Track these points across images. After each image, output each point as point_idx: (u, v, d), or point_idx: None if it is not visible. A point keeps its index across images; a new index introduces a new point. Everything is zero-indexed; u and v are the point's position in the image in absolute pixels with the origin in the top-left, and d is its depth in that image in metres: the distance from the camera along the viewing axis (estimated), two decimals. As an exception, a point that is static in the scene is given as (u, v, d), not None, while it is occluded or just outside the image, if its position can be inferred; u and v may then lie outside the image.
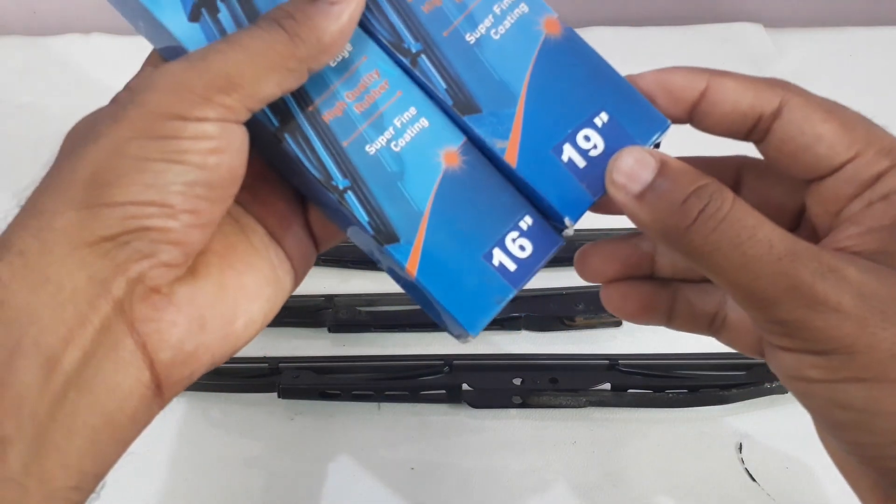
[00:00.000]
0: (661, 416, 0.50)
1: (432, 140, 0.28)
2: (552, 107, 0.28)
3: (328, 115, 0.27)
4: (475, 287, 0.27)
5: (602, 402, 0.49)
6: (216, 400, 0.51)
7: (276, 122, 0.27)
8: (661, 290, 0.31)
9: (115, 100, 0.25)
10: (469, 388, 0.49)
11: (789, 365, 0.25)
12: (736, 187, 0.30)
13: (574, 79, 0.28)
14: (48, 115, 0.64)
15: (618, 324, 0.54)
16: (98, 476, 0.24)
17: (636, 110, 0.28)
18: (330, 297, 0.54)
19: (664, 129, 0.28)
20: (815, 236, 0.28)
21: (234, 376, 0.50)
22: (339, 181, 0.27)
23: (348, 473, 0.48)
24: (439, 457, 0.48)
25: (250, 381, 0.50)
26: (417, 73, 0.28)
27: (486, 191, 0.28)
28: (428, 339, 0.53)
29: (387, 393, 0.50)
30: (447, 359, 0.50)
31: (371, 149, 0.28)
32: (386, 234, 0.27)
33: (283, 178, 0.30)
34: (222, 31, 0.27)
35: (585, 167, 0.28)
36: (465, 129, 0.28)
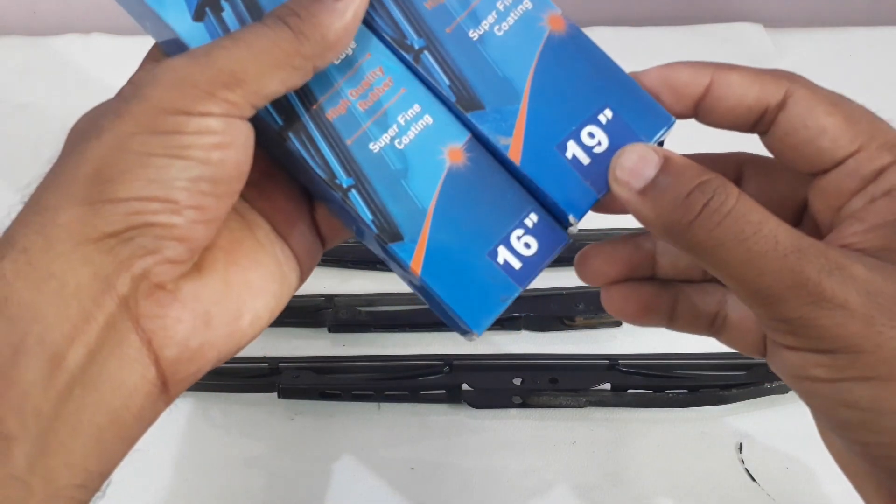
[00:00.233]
0: (661, 416, 0.50)
1: (436, 137, 0.28)
2: (556, 103, 0.28)
3: (332, 114, 0.27)
4: (480, 285, 0.27)
5: (602, 402, 0.49)
6: (216, 400, 0.50)
7: (279, 121, 0.27)
8: (662, 291, 0.31)
9: (118, 94, 0.25)
10: (469, 388, 0.49)
11: (794, 364, 0.24)
12: (738, 183, 0.30)
13: (578, 75, 0.28)
14: (48, 115, 0.64)
15: (618, 324, 0.54)
16: (103, 475, 0.24)
17: (640, 107, 0.28)
18: (330, 297, 0.54)
19: (669, 125, 0.28)
20: (817, 233, 0.28)
21: (234, 376, 0.50)
22: (343, 180, 0.27)
23: (348, 473, 0.48)
24: (439, 457, 0.48)
25: (250, 381, 0.50)
26: (421, 69, 0.28)
27: (491, 188, 0.28)
28: (428, 339, 0.53)
29: (387, 393, 0.50)
30: (447, 359, 0.50)
31: (375, 147, 0.27)
32: (390, 233, 0.27)
33: (290, 175, 0.30)
34: (226, 31, 0.26)
35: (590, 164, 0.28)
36: (468, 126, 0.28)
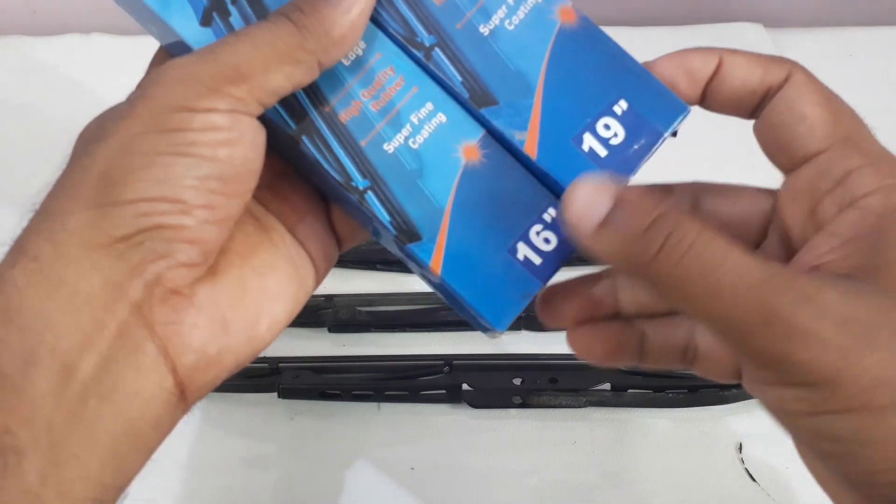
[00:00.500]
0: (661, 416, 0.50)
1: (450, 135, 0.28)
2: (570, 96, 0.28)
3: (344, 116, 0.27)
4: (501, 282, 0.27)
5: (602, 402, 0.49)
6: (216, 400, 0.50)
7: (292, 125, 0.27)
8: (629, 328, 0.30)
9: (127, 98, 0.25)
10: (469, 388, 0.49)
11: (771, 398, 0.24)
12: (695, 208, 0.30)
13: (591, 67, 0.28)
14: (48, 116, 0.64)
15: (618, 324, 0.54)
16: (120, 487, 0.23)
17: (655, 97, 0.28)
18: (330, 297, 0.54)
19: (684, 114, 0.28)
20: (787, 245, 0.27)
21: (234, 376, 0.50)
22: (359, 182, 0.27)
23: (348, 473, 0.47)
24: (439, 457, 0.48)
25: (250, 381, 0.50)
26: (432, 66, 0.28)
27: (508, 184, 0.28)
28: (428, 339, 0.53)
29: (387, 393, 0.49)
30: (447, 359, 0.50)
31: (389, 147, 0.27)
32: (408, 233, 0.27)
33: (304, 177, 0.29)
34: None
35: (607, 156, 0.27)
36: (483, 123, 0.28)
